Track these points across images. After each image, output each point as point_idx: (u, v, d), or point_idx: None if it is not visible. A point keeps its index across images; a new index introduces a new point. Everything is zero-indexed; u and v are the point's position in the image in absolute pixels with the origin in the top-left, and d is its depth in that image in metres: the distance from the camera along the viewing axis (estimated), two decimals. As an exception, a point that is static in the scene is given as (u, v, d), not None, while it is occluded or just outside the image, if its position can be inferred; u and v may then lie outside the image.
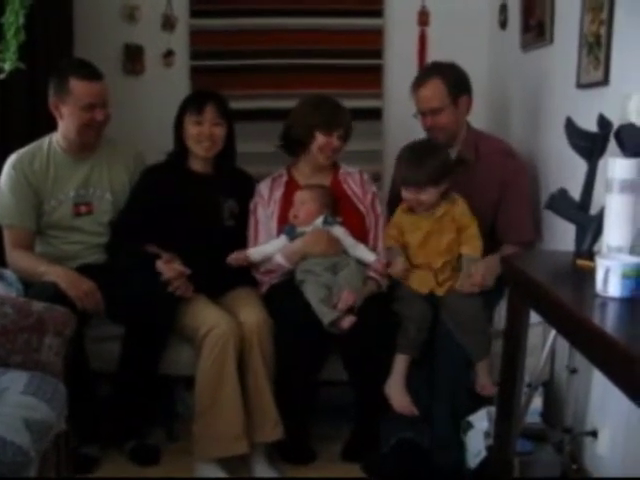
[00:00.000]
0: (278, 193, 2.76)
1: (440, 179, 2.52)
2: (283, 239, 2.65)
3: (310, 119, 2.71)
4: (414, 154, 2.59)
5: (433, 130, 2.76)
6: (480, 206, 2.64)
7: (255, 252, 2.66)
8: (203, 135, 2.70)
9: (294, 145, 2.78)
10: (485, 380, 2.48)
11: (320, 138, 2.69)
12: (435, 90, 2.73)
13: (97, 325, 2.60)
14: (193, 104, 2.73)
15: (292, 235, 2.63)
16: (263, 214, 2.74)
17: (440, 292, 2.56)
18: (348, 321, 2.43)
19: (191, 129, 2.70)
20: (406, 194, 2.57)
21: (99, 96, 2.65)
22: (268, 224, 2.72)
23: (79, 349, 2.42)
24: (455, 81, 2.75)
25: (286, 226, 2.66)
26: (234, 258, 2.62)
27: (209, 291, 2.66)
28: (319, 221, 2.63)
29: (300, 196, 2.67)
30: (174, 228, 2.68)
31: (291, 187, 2.75)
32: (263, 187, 2.79)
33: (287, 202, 2.70)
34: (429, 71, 2.82)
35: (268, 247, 2.66)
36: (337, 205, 2.71)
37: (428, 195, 2.53)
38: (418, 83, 2.78)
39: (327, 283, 2.51)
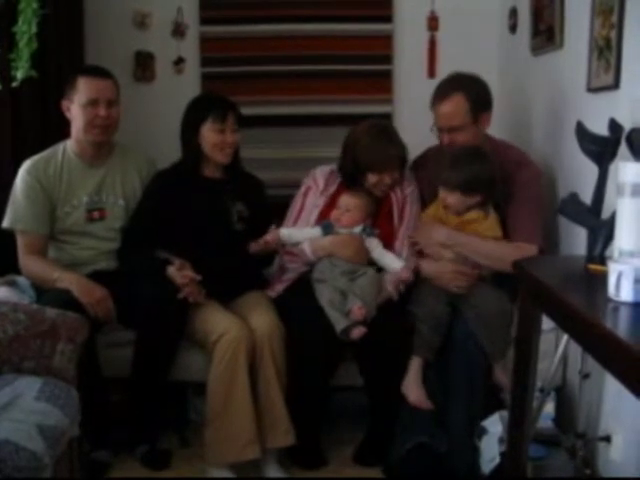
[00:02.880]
0: (332, 188, 2.75)
1: (471, 190, 2.50)
2: (317, 231, 2.64)
3: (361, 160, 2.65)
4: (458, 156, 2.55)
5: (450, 147, 2.64)
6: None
7: (288, 233, 2.65)
8: (226, 143, 2.69)
9: (348, 177, 2.73)
10: (502, 378, 2.46)
11: (371, 178, 2.66)
12: (457, 108, 2.58)
13: (109, 331, 2.62)
14: (216, 112, 2.68)
15: (327, 231, 2.63)
16: (312, 202, 2.74)
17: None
18: (358, 332, 2.43)
19: (213, 137, 2.68)
20: (440, 192, 2.58)
21: (102, 92, 2.66)
22: (311, 213, 2.72)
23: (91, 355, 2.44)
24: (478, 98, 2.60)
25: (325, 221, 2.66)
26: (262, 242, 2.57)
27: (220, 296, 2.66)
28: (358, 229, 2.63)
29: (346, 201, 2.64)
30: (184, 233, 2.68)
31: (345, 187, 2.73)
32: (320, 175, 2.78)
33: (336, 201, 2.68)
34: (451, 85, 2.62)
35: (300, 233, 2.66)
36: (378, 212, 2.70)
37: (454, 200, 2.54)
38: (439, 97, 2.62)
39: (342, 288, 2.51)
